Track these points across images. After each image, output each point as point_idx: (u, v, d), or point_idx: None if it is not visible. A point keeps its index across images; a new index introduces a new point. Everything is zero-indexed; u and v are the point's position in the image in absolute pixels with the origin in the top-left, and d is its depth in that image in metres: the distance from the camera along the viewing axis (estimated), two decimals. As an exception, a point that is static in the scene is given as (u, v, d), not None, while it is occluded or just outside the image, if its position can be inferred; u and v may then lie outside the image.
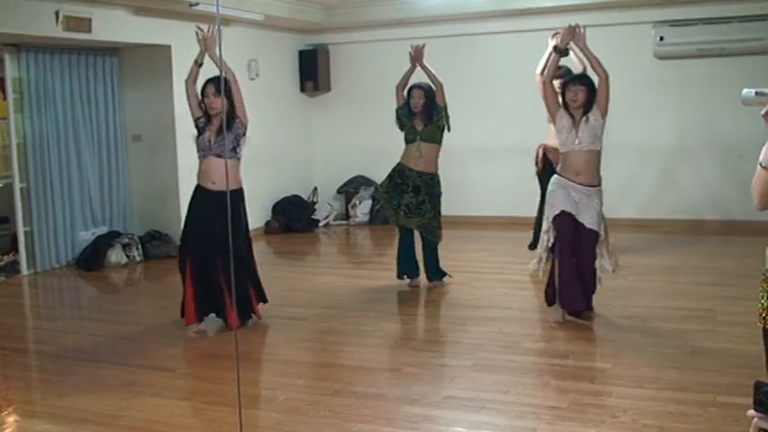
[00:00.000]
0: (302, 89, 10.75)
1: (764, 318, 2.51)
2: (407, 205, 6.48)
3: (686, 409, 3.90)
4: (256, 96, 8.58)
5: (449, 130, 6.53)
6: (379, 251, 9.46)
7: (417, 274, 6.76)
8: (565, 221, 5.42)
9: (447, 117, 6.51)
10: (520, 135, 9.06)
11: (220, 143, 5.40)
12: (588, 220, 5.39)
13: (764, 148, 2.38)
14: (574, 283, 5.44)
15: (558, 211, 5.42)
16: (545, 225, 5.58)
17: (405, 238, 6.71)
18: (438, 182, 6.57)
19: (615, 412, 3.90)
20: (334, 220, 10.67)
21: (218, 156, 5.41)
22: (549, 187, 5.56)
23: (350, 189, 10.71)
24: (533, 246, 7.52)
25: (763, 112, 2.29)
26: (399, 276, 6.78)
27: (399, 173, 6.54)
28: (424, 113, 6.50)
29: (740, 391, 3.86)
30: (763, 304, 2.51)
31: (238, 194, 5.58)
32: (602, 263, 5.48)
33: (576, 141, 5.37)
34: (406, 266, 6.75)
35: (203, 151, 5.50)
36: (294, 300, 6.37)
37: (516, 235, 9.16)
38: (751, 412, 1.44)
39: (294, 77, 10.68)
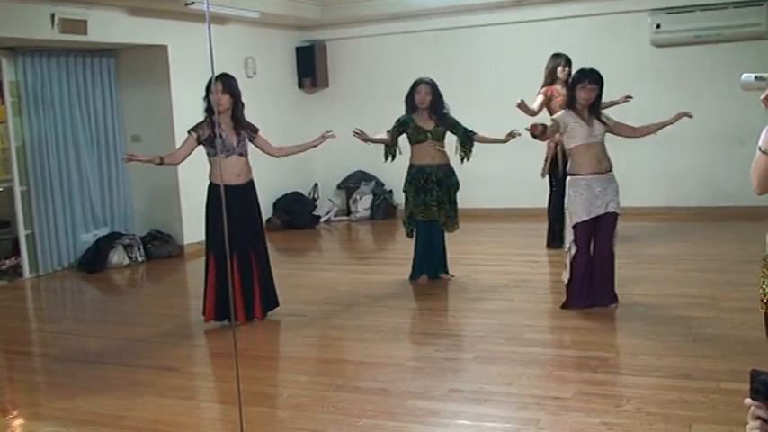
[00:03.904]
0: (300, 86, 10.75)
1: (766, 303, 2.51)
2: (437, 200, 6.47)
3: (690, 396, 3.90)
4: (254, 94, 8.55)
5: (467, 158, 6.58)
6: (381, 246, 9.47)
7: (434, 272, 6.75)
8: (585, 228, 5.43)
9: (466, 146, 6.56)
10: (517, 126, 9.03)
11: (242, 142, 5.63)
12: (612, 206, 5.42)
13: (763, 133, 2.38)
14: (586, 283, 5.52)
15: (580, 220, 5.40)
16: (570, 234, 5.51)
17: (426, 236, 6.64)
18: (454, 171, 6.60)
19: (619, 401, 3.90)
20: (336, 215, 10.68)
21: (241, 154, 5.63)
22: (570, 192, 5.46)
23: (350, 184, 10.71)
24: (549, 244, 7.57)
25: (762, 96, 2.29)
26: (416, 277, 6.71)
27: (419, 173, 6.48)
28: (431, 110, 6.47)
29: (743, 377, 3.80)
30: (764, 290, 2.51)
31: (252, 185, 5.77)
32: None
33: (593, 133, 5.41)
34: (427, 266, 6.71)
35: (229, 150, 5.58)
36: (296, 296, 6.37)
37: (517, 226, 9.18)
38: (748, 401, 1.43)
39: (292, 74, 10.68)
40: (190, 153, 5.68)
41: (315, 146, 6.01)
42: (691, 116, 5.81)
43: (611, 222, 5.47)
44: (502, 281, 6.64)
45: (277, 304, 5.86)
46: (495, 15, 9.69)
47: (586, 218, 5.39)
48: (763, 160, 2.39)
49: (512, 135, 6.33)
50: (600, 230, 5.47)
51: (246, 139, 5.67)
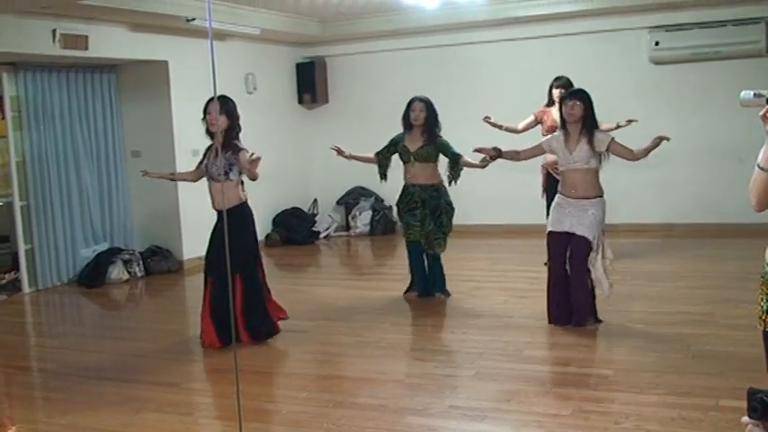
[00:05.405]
0: (300, 101, 10.78)
1: (764, 320, 2.51)
2: (420, 219, 6.46)
3: (688, 413, 3.90)
4: (254, 110, 8.61)
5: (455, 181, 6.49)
6: (380, 262, 9.47)
7: (428, 291, 6.73)
8: (554, 240, 5.58)
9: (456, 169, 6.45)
10: (515, 142, 9.05)
11: (216, 165, 5.51)
12: (580, 229, 5.46)
13: (762, 150, 2.39)
14: (559, 297, 5.60)
15: (549, 229, 5.63)
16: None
17: (416, 254, 6.65)
18: (444, 192, 6.53)
19: (618, 419, 3.90)
20: (335, 231, 10.68)
21: (215, 179, 5.55)
22: (551, 205, 5.78)
23: (350, 200, 10.72)
24: None
25: (761, 113, 2.30)
26: (406, 293, 6.77)
27: (405, 192, 6.56)
28: (424, 128, 6.46)
29: (742, 394, 3.79)
30: (762, 307, 2.51)
31: (240, 211, 5.55)
32: (599, 276, 5.49)
33: (572, 160, 5.50)
34: (422, 284, 6.71)
35: (212, 175, 5.59)
36: (295, 312, 6.36)
37: (516, 243, 9.18)
38: (745, 419, 1.44)
39: (292, 90, 10.72)
40: (201, 176, 5.76)
41: (252, 168, 5.27)
42: (668, 139, 5.78)
43: (582, 246, 5.47)
44: (501, 297, 6.64)
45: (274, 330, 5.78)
46: (494, 32, 9.73)
47: (551, 228, 5.58)
48: (761, 177, 2.40)
49: (485, 161, 6.07)
50: (572, 251, 5.53)
51: (229, 163, 5.45)
